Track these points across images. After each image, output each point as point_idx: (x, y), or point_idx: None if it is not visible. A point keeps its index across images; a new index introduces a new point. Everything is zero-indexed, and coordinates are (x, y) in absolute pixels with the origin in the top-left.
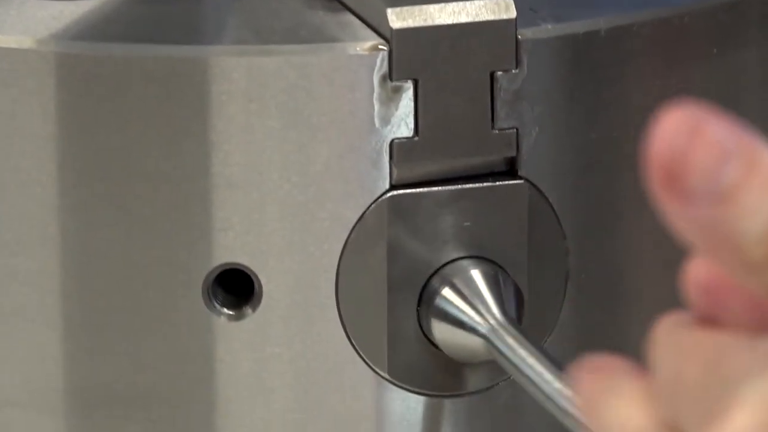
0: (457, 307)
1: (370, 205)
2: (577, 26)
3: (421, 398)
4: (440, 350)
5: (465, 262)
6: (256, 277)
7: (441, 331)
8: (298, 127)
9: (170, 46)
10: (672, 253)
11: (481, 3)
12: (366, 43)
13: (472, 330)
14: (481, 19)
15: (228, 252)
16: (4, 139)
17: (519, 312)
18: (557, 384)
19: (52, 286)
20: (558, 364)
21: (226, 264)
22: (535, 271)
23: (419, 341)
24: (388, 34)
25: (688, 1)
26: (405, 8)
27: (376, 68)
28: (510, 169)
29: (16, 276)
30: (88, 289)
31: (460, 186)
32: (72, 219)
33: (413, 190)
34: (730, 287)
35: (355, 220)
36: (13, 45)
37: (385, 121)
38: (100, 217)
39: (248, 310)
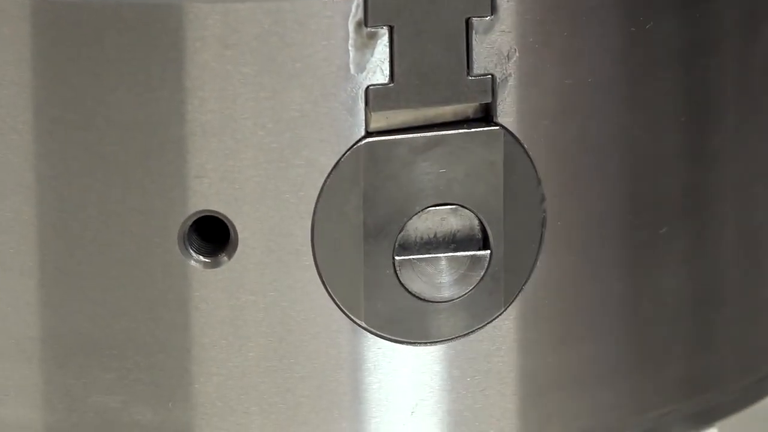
0: None
1: (346, 152)
2: None
3: (398, 346)
4: (417, 297)
5: (441, 207)
6: (232, 224)
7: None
8: (273, 73)
9: None
10: (646, 198)
11: None
12: None
13: None
14: None
15: (203, 199)
16: None
17: None
18: None
19: (27, 233)
20: None
21: (202, 211)
22: (510, 218)
23: (396, 289)
24: None
25: None
26: None
27: (351, 14)
28: (486, 116)
29: None
30: (63, 237)
31: (435, 133)
32: (47, 166)
33: (389, 137)
34: None
35: (330, 167)
36: None
37: (360, 67)
38: (75, 165)
39: (224, 257)
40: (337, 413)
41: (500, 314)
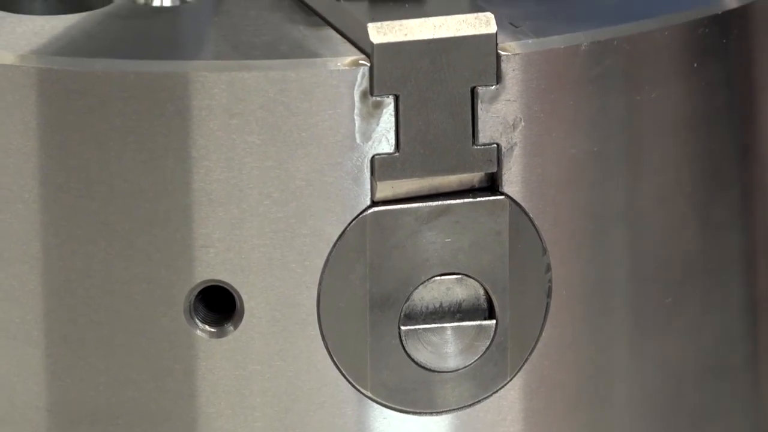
0: None
1: (352, 222)
2: (558, 41)
3: (404, 416)
4: (422, 367)
5: (447, 277)
6: (238, 293)
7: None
8: (279, 142)
9: (150, 61)
10: (652, 268)
11: (462, 18)
12: (346, 58)
13: None
14: (461, 34)
15: (209, 269)
16: None
17: None
18: None
19: (34, 302)
20: None
21: (208, 281)
22: (516, 287)
23: (401, 358)
24: (368, 49)
25: (667, 15)
26: (385, 23)
27: (357, 83)
28: (491, 185)
29: None
30: (69, 306)
31: (441, 202)
32: (53, 235)
33: (394, 207)
34: None
35: (336, 237)
36: None
37: (366, 136)
38: (81, 234)
39: (230, 327)
40: None
41: (506, 384)
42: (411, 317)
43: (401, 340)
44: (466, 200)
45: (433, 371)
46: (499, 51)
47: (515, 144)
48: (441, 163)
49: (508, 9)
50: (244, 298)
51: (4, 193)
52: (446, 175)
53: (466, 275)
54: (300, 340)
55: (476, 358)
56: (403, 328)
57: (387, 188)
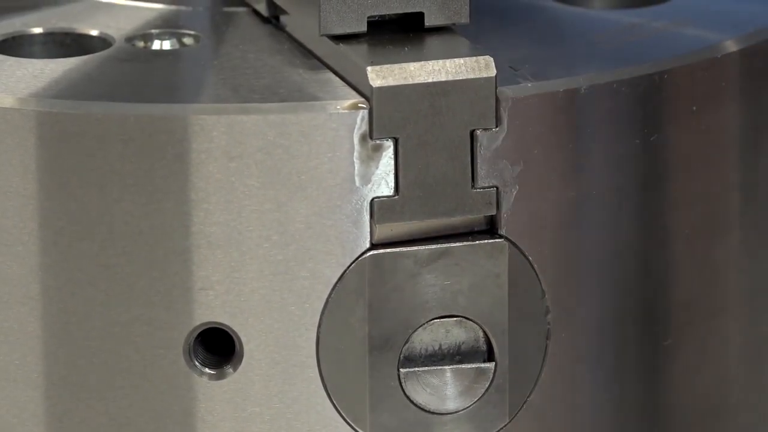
0: None
1: (351, 264)
2: (557, 84)
3: None
4: (422, 409)
5: (446, 320)
6: (237, 336)
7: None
8: (278, 185)
9: (150, 104)
10: (651, 310)
11: (461, 61)
12: (346, 101)
13: None
14: (460, 78)
15: (208, 311)
16: None
17: None
18: None
19: (33, 345)
20: None
21: (207, 323)
22: (515, 330)
23: (401, 401)
24: (368, 93)
25: (667, 58)
26: (385, 66)
27: (356, 127)
28: (490, 228)
29: None
30: (68, 349)
31: (440, 245)
32: (53, 278)
33: (393, 249)
34: None
35: (335, 280)
36: None
37: (366, 179)
38: (80, 276)
39: (229, 369)
40: None
41: (505, 426)
42: (410, 359)
43: (400, 382)
44: (465, 243)
45: (433, 413)
46: (499, 94)
47: (514, 187)
48: (440, 206)
49: (508, 52)
50: (244, 340)
51: (3, 235)
52: (446, 218)
53: (466, 318)
54: (299, 382)
55: (475, 400)
56: (402, 370)
57: (386, 231)
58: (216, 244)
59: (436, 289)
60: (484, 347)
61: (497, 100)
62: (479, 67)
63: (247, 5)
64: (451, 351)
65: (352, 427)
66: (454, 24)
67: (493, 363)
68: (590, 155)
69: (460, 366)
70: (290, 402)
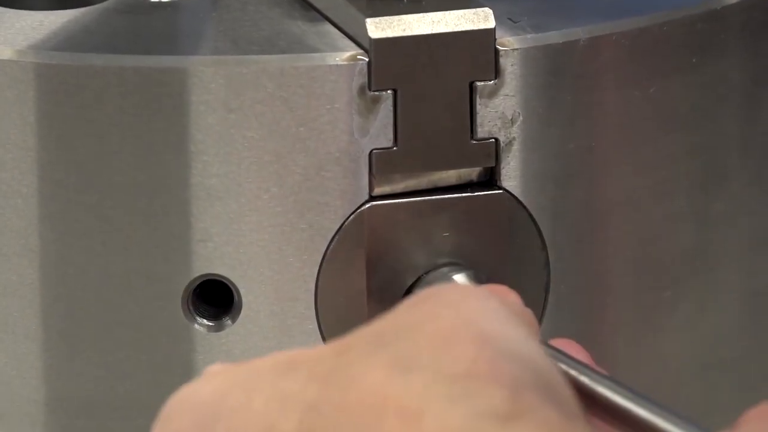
0: None
1: (350, 216)
2: (556, 36)
3: None
4: None
5: (445, 270)
6: (236, 288)
7: None
8: (277, 137)
9: (149, 56)
10: (652, 263)
11: (460, 13)
12: (345, 53)
13: None
14: (459, 29)
15: (207, 263)
16: None
17: None
18: None
19: (32, 297)
20: None
21: (206, 275)
22: (514, 282)
23: None
24: (367, 44)
25: (667, 10)
26: (384, 18)
27: (355, 78)
28: (489, 180)
29: None
30: (67, 300)
31: (439, 197)
32: (52, 230)
33: (392, 201)
34: None
35: (334, 231)
36: None
37: (364, 131)
38: (79, 228)
39: (228, 321)
40: None
41: None
42: None
43: None
44: (464, 195)
45: None
46: (498, 46)
47: (514, 139)
48: (439, 158)
49: (507, 4)
50: (242, 292)
51: (2, 188)
52: (445, 170)
53: (465, 268)
54: (298, 334)
55: None
56: None
57: (385, 183)
58: (215, 196)
59: (435, 241)
60: None
61: (496, 51)
62: (478, 18)
63: None
64: None
65: None
66: None
67: None
68: (589, 107)
69: None
70: None
